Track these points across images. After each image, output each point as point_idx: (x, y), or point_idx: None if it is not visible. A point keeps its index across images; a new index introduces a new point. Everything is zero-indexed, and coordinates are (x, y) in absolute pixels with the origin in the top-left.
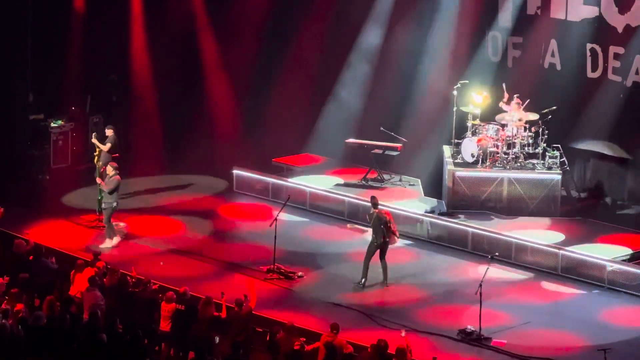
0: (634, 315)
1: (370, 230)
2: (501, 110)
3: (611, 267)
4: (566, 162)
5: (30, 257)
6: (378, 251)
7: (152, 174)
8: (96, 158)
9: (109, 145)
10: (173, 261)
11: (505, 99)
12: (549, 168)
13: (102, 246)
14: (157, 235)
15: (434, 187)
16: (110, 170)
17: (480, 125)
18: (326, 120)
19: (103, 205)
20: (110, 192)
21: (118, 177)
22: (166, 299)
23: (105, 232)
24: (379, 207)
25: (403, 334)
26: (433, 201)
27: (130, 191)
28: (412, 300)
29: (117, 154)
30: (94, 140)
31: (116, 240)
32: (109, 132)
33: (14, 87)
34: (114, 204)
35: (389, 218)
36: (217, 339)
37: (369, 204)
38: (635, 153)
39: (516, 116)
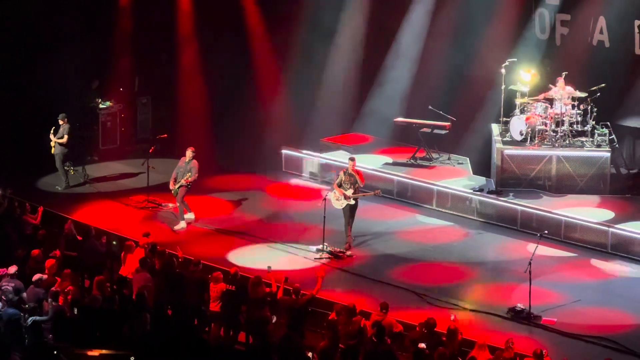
0: None
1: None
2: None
3: None
4: (615, 140)
5: (80, 238)
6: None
7: (199, 155)
8: (53, 149)
9: (66, 137)
10: (221, 241)
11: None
12: (598, 145)
13: (176, 227)
14: (206, 215)
15: (482, 166)
16: (189, 154)
17: (528, 103)
18: (374, 99)
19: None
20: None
21: (195, 161)
22: (214, 279)
23: (178, 213)
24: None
25: (453, 317)
26: (482, 179)
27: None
28: (461, 278)
29: (165, 135)
30: (51, 137)
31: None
32: (62, 122)
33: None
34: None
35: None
36: (274, 318)
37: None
38: None
39: (564, 94)
